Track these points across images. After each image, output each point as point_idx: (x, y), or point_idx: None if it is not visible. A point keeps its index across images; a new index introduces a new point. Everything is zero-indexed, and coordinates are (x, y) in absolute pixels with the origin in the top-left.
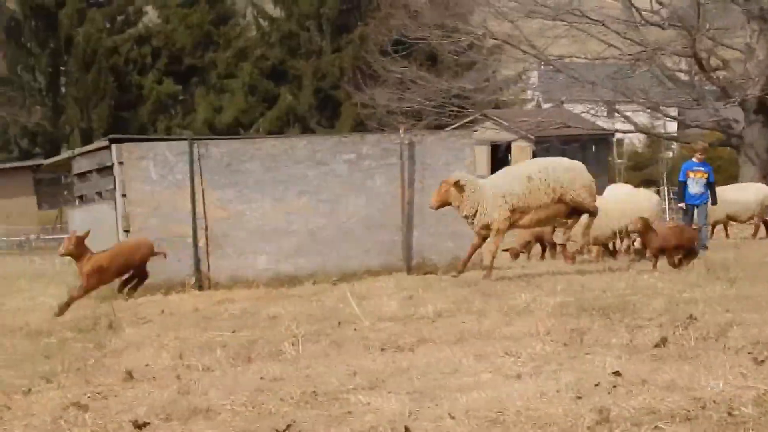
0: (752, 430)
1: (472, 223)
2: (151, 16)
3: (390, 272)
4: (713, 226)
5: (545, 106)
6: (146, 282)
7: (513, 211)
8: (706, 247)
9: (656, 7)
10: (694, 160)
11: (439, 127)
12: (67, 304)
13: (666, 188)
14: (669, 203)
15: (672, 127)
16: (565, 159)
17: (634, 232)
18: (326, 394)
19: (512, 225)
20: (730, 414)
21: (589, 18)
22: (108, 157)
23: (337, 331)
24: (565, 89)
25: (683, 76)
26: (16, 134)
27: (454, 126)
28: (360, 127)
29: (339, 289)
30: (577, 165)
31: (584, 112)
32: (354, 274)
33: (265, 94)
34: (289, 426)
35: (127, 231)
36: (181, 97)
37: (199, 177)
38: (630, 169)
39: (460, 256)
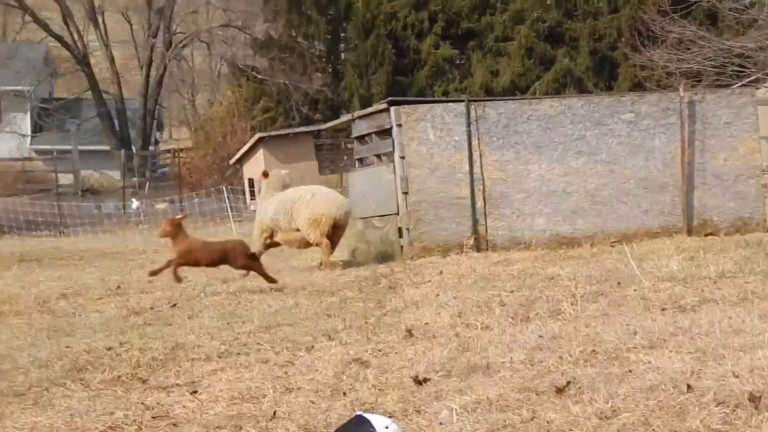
0: None
1: None
2: None
3: (670, 234)
4: None
5: None
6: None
7: None
8: None
9: None
10: None
11: (721, 87)
12: (159, 271)
13: None
14: None
15: None
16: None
17: None
18: (606, 353)
19: None
20: None
21: None
22: (387, 120)
23: (617, 291)
24: None
25: None
26: (297, 101)
27: (736, 86)
28: (638, 88)
29: (618, 251)
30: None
31: None
32: (633, 236)
33: (541, 56)
34: (568, 383)
35: (405, 193)
36: (458, 61)
37: (477, 138)
38: None
39: (742, 216)
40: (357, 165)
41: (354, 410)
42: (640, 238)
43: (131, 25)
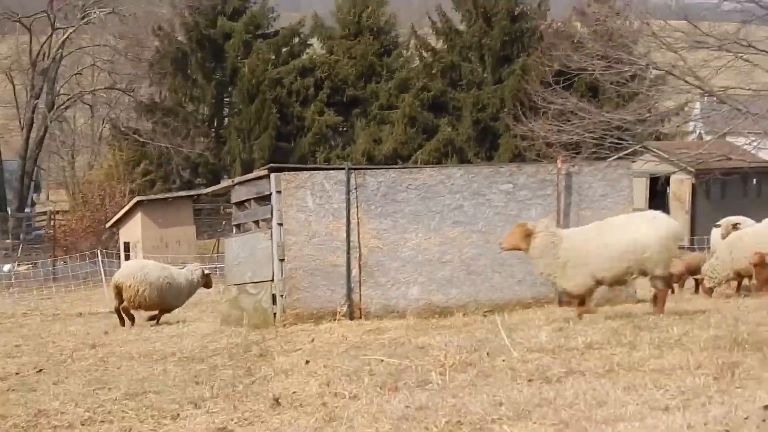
0: None
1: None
2: (316, 47)
3: (542, 304)
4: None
5: (706, 138)
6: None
7: None
8: None
9: None
10: None
11: (599, 159)
12: None
13: None
14: None
15: None
16: None
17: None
18: (471, 424)
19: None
20: None
21: (756, 48)
22: (267, 186)
23: (486, 362)
24: (728, 121)
25: None
26: (178, 164)
27: (613, 158)
28: (518, 158)
29: (490, 320)
30: None
31: (746, 144)
32: (506, 305)
33: (424, 125)
34: None
35: (282, 260)
36: (341, 128)
37: (356, 206)
38: None
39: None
40: (234, 231)
41: None
42: (513, 309)
43: (14, 86)
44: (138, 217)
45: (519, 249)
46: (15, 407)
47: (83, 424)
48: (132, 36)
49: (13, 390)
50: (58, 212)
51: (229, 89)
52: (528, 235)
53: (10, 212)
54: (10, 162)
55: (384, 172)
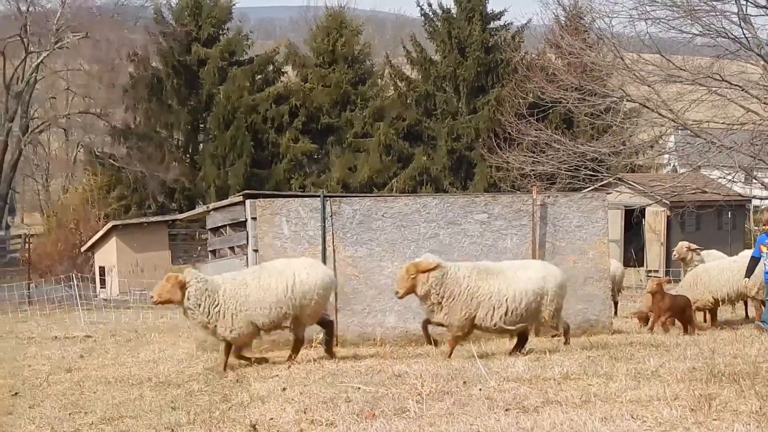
0: None
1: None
2: (290, 75)
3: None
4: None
5: (681, 170)
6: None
7: None
8: None
9: None
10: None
11: (573, 190)
12: None
13: None
14: None
15: None
16: None
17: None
18: None
19: None
20: None
21: (729, 83)
22: (242, 213)
23: (463, 391)
24: (702, 154)
25: None
26: (153, 190)
27: (587, 189)
28: (493, 189)
29: (466, 349)
30: None
31: (721, 178)
32: (482, 335)
33: (399, 153)
34: None
35: None
36: (316, 156)
37: (331, 234)
38: None
39: (589, 319)
40: (210, 256)
41: None
42: (489, 338)
43: None
44: (113, 242)
45: (172, 302)
46: None
47: None
48: (106, 61)
49: None
50: (32, 235)
51: (204, 115)
52: (181, 286)
53: None
54: None
55: (359, 200)
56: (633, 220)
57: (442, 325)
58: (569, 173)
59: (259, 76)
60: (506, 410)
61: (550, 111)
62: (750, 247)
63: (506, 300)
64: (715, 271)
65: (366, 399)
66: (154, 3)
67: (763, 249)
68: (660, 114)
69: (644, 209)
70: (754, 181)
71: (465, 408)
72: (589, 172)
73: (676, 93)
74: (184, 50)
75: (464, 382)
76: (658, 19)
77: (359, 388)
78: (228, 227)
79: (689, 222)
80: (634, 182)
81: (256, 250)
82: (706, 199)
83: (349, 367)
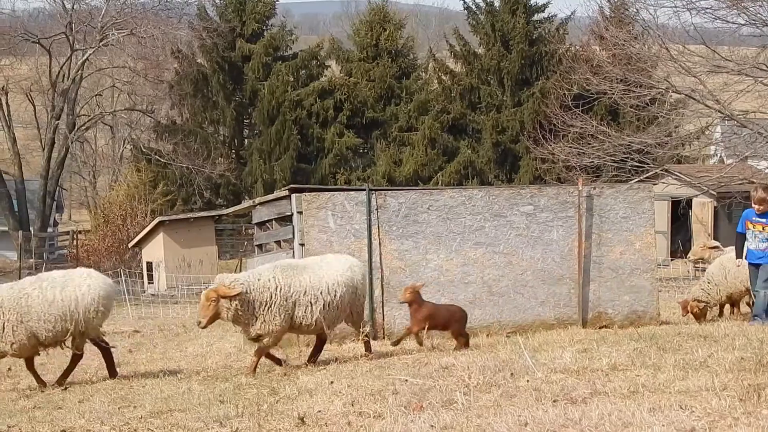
0: None
1: None
2: (334, 69)
3: (565, 325)
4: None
5: (728, 161)
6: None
7: None
8: (762, 319)
9: None
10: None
11: (619, 182)
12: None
13: None
14: None
15: None
16: None
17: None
18: None
19: None
20: None
21: None
22: (288, 207)
23: (510, 382)
24: (749, 144)
25: None
26: (199, 185)
27: (634, 181)
28: (538, 181)
29: (513, 341)
30: None
31: None
32: (529, 327)
33: (444, 147)
34: None
35: None
36: (361, 150)
37: (377, 227)
38: None
39: (636, 310)
40: (256, 251)
41: None
42: (536, 330)
43: (34, 106)
44: (160, 237)
45: None
46: (41, 424)
47: None
48: (151, 58)
49: (39, 408)
50: (80, 232)
51: (249, 110)
52: None
53: (32, 232)
54: (32, 182)
55: (405, 193)
56: (680, 212)
57: (261, 338)
58: (615, 165)
59: (303, 71)
60: (554, 401)
61: (595, 102)
62: None
63: (321, 293)
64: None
65: (413, 391)
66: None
67: (750, 225)
68: (706, 105)
69: (691, 200)
70: None
71: (512, 399)
72: (635, 164)
73: (722, 83)
74: (229, 46)
75: (511, 374)
76: (703, 9)
77: (406, 380)
78: (274, 221)
79: (736, 213)
80: (681, 173)
81: (302, 244)
82: None
83: (396, 359)
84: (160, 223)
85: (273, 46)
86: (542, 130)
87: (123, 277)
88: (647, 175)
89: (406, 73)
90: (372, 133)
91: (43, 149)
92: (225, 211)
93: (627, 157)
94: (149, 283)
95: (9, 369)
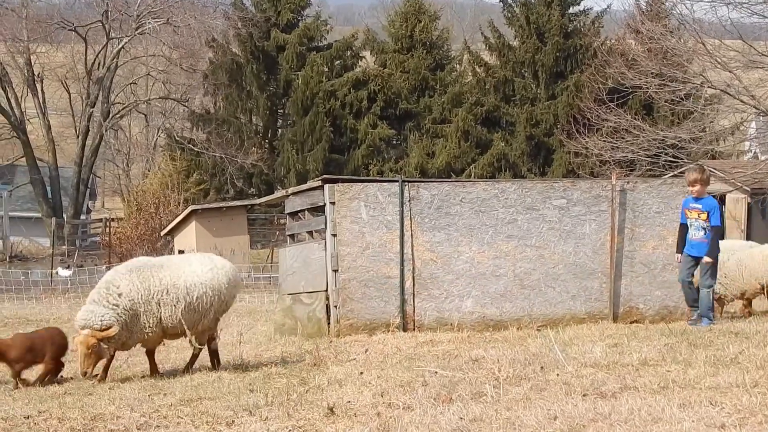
0: None
1: None
2: (368, 60)
3: (596, 320)
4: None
5: (762, 157)
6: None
7: None
8: (710, 319)
9: None
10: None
11: (653, 177)
12: None
13: None
14: None
15: None
16: None
17: None
18: None
19: None
20: None
21: None
22: (320, 197)
23: (540, 376)
24: None
25: None
26: (232, 174)
27: (668, 176)
28: (571, 175)
29: (543, 335)
30: None
31: None
32: (560, 320)
33: (477, 139)
34: None
35: (335, 270)
36: (394, 141)
37: (409, 219)
38: None
39: (668, 305)
40: (288, 241)
41: None
42: (566, 324)
43: (69, 94)
44: (192, 226)
45: None
46: (71, 410)
47: (139, 429)
48: (186, 47)
49: (70, 394)
50: (113, 219)
51: (283, 101)
52: None
53: (66, 219)
54: (66, 169)
55: (437, 185)
56: None
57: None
58: (649, 159)
59: (338, 62)
60: (584, 395)
61: (630, 97)
62: None
63: (180, 294)
64: (760, 257)
65: (443, 383)
66: None
67: (689, 214)
68: (741, 100)
69: (725, 196)
70: None
71: (542, 393)
72: (669, 159)
73: (758, 79)
74: (263, 36)
75: (541, 368)
76: (741, 3)
77: (436, 372)
78: (306, 212)
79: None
80: (715, 169)
81: (334, 235)
82: None
83: (426, 351)
84: (193, 211)
85: (307, 36)
86: (576, 124)
87: None
88: (681, 170)
89: (441, 65)
90: (405, 125)
91: (78, 137)
92: (258, 201)
93: (661, 152)
94: None
95: None
